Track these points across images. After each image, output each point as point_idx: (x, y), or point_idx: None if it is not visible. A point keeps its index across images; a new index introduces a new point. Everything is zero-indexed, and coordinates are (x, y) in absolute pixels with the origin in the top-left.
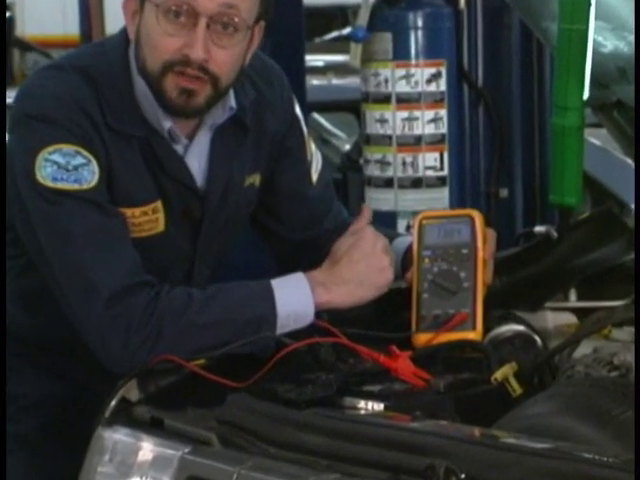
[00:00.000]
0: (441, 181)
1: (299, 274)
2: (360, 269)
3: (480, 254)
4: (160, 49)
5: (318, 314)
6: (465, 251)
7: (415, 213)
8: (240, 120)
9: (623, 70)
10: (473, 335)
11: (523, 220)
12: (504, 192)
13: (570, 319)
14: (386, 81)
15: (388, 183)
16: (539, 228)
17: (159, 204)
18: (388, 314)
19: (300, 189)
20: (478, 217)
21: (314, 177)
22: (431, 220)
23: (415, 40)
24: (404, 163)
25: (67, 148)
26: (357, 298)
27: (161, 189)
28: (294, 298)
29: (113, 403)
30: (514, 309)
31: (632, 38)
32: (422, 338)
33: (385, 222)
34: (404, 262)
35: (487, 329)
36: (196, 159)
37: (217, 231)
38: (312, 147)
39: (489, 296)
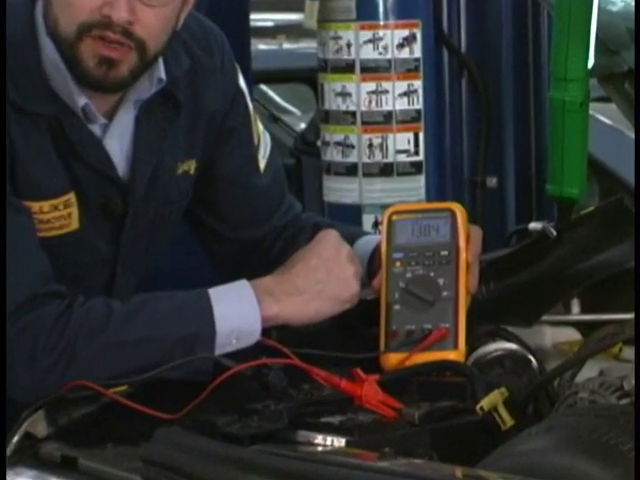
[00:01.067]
0: (416, 168)
1: (243, 282)
2: (318, 278)
3: (463, 256)
4: (76, 7)
5: (266, 331)
6: (444, 253)
7: (384, 207)
8: (171, 94)
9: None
10: (454, 355)
11: (515, 215)
12: (492, 181)
13: (572, 335)
14: (348, 46)
15: (351, 170)
16: (534, 225)
17: (72, 197)
18: (351, 330)
19: (244, 178)
20: (460, 212)
21: (261, 164)
22: (403, 215)
23: None
24: (371, 146)
25: None
26: (313, 312)
27: (75, 179)
28: (236, 311)
29: (15, 439)
30: (504, 323)
31: None
32: (392, 359)
33: (347, 218)
34: (371, 267)
35: (471, 348)
36: (117, 142)
37: (143, 229)
38: (259, 127)
39: (474, 308)
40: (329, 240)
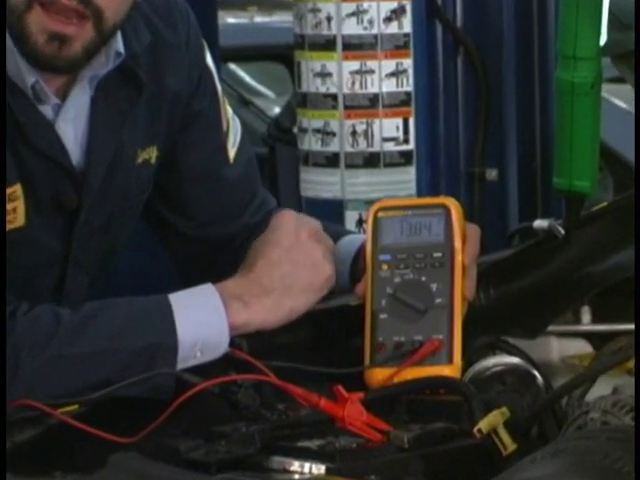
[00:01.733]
0: (405, 158)
1: (207, 286)
2: (284, 271)
3: (458, 258)
4: None
5: (235, 341)
6: (438, 254)
7: (369, 203)
8: (131, 71)
9: None
10: (449, 371)
11: (518, 212)
12: (492, 173)
13: (582, 348)
14: (329, 19)
15: (332, 161)
16: (540, 223)
17: (18, 189)
18: (331, 341)
19: (212, 169)
20: (455, 208)
21: (231, 153)
22: (391, 212)
23: None
24: (354, 133)
25: None
26: (287, 310)
27: (22, 168)
28: (201, 319)
29: None
30: (506, 334)
31: None
32: (379, 375)
33: (327, 214)
34: (354, 270)
35: (468, 362)
36: (71, 126)
37: (99, 226)
38: (229, 112)
39: (471, 317)
40: (285, 224)
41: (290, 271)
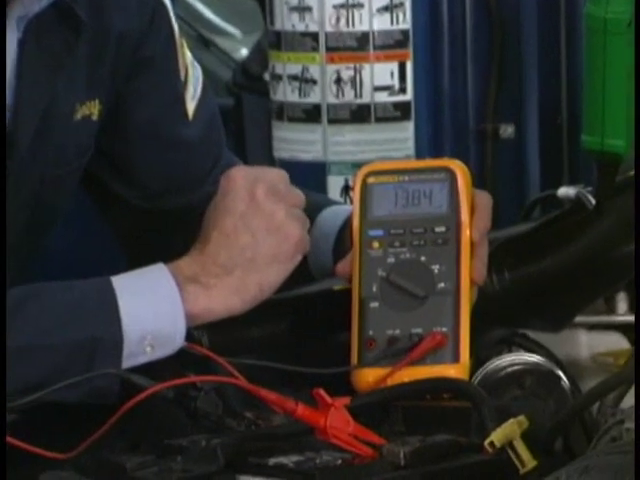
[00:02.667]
0: (401, 111)
1: (158, 267)
2: (243, 242)
3: (466, 234)
4: None
5: (193, 333)
6: (440, 229)
7: (357, 166)
8: (68, 9)
9: None
10: (454, 371)
11: (540, 177)
12: (508, 130)
13: (617, 343)
14: None
15: (312, 115)
16: (565, 190)
17: None
18: (311, 335)
19: (167, 128)
20: (462, 173)
21: (190, 107)
22: (384, 177)
23: None
24: (339, 81)
25: None
26: (254, 290)
27: None
28: (151, 307)
29: None
30: (524, 327)
31: None
32: (369, 376)
33: (306, 180)
34: (338, 248)
35: (478, 361)
36: None
37: (29, 196)
38: (187, 56)
39: (482, 305)
40: (234, 185)
41: (250, 241)
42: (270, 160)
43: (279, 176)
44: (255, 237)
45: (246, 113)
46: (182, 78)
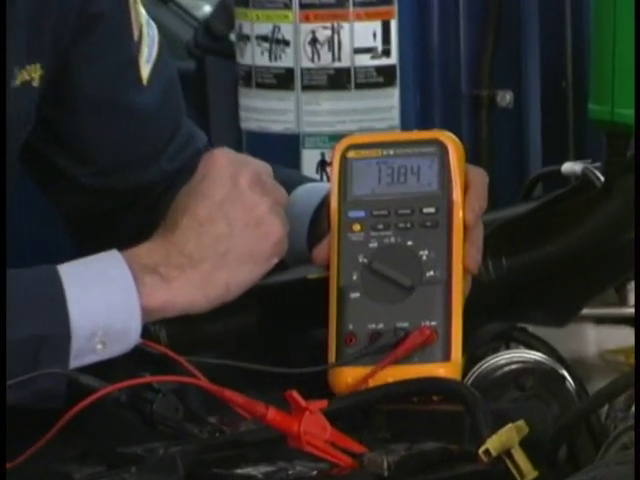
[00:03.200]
0: (385, 77)
1: (112, 254)
2: (217, 232)
3: (458, 216)
4: None
5: (150, 329)
6: (429, 210)
7: (335, 138)
8: None
9: None
10: (445, 370)
11: (542, 151)
12: (506, 98)
13: (628, 338)
14: None
15: (284, 81)
16: (571, 166)
17: None
18: (283, 330)
19: (117, 95)
20: (454, 146)
21: (144, 72)
22: (366, 151)
23: None
24: (314, 42)
25: None
26: (220, 288)
27: None
28: (103, 299)
29: None
30: (523, 321)
31: None
32: (348, 376)
33: (277, 154)
34: (314, 232)
35: (472, 359)
36: None
37: None
38: (141, 14)
39: (476, 296)
40: (217, 169)
41: (225, 233)
42: (236, 131)
43: (265, 168)
44: (231, 229)
45: (209, 78)
46: (135, 38)
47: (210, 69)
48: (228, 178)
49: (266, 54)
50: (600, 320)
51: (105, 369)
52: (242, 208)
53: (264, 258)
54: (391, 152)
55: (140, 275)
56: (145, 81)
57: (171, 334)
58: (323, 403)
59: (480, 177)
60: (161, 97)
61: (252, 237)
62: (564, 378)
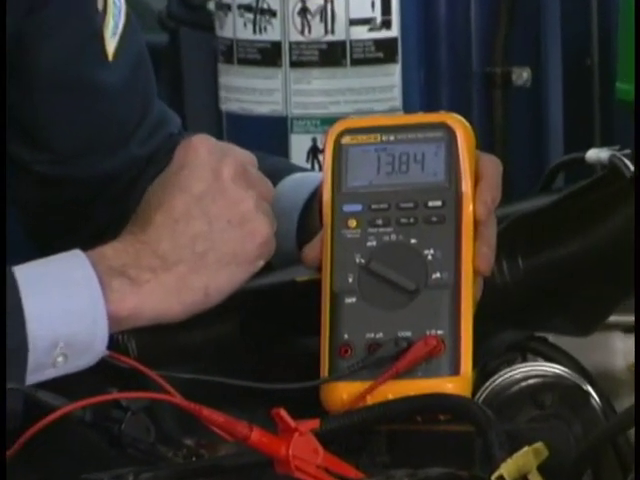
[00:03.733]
0: (385, 52)
1: (74, 254)
2: (195, 230)
3: (468, 210)
4: None
5: (117, 340)
6: (435, 203)
7: (328, 122)
8: None
9: None
10: (453, 386)
11: (563, 136)
12: (523, 76)
13: None
14: None
15: (270, 56)
16: (596, 153)
17: None
18: (269, 341)
19: (79, 72)
20: (463, 130)
21: (110, 46)
22: (363, 136)
23: None
24: (304, 12)
25: None
26: (198, 294)
27: None
28: (64, 305)
29: None
30: (542, 329)
31: None
32: (342, 392)
33: (262, 140)
34: (304, 228)
35: (484, 373)
36: None
37: None
38: None
39: (489, 301)
40: (196, 157)
41: (204, 231)
42: (215, 114)
43: (250, 158)
44: (211, 227)
45: (184, 53)
46: (100, 8)
47: (185, 43)
48: (209, 169)
49: (249, 26)
50: (629, 329)
51: (67, 384)
52: (225, 204)
53: (249, 260)
54: (392, 137)
55: (107, 278)
56: (111, 56)
57: (141, 345)
58: (315, 423)
59: (493, 166)
60: (129, 74)
61: (235, 236)
62: (588, 394)
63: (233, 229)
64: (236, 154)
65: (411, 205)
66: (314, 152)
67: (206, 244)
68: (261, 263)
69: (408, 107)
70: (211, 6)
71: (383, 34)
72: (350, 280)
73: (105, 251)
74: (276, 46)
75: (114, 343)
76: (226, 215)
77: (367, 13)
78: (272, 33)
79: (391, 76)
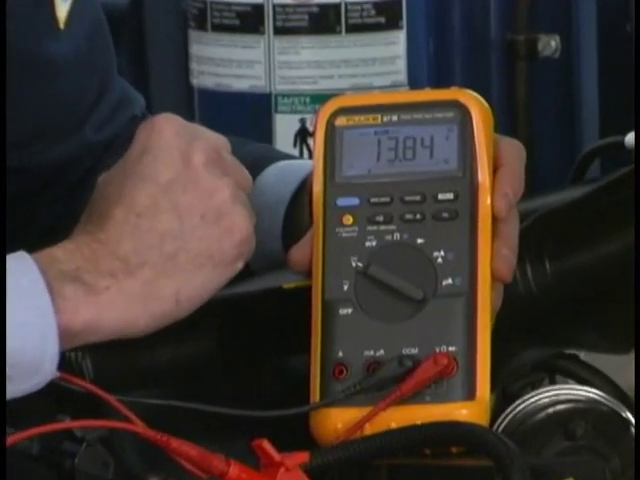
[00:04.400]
0: (387, 16)
1: (20, 257)
2: (163, 228)
3: (485, 204)
4: None
5: (70, 358)
6: (446, 196)
7: (319, 99)
8: None
9: None
10: (468, 412)
11: (599, 116)
12: (551, 44)
13: None
14: None
15: (250, 22)
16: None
17: None
18: (250, 359)
19: (26, 43)
20: (479, 109)
21: (61, 12)
22: (360, 117)
23: None
24: None
25: None
26: (168, 301)
27: None
28: (8, 318)
29: None
30: (573, 345)
31: None
32: (337, 420)
33: (243, 120)
34: (291, 226)
35: (506, 396)
36: None
37: None
38: None
39: (510, 312)
40: (162, 140)
41: (174, 228)
42: (185, 90)
43: (222, 142)
44: (183, 222)
45: (148, 17)
46: None
47: (149, 4)
48: (177, 154)
49: None
50: None
51: (11, 411)
52: (197, 195)
53: (226, 261)
54: (395, 118)
55: (58, 285)
56: (62, 24)
57: (99, 365)
58: (304, 456)
59: (515, 151)
60: (84, 45)
61: (211, 233)
62: (628, 422)
63: (208, 225)
64: (207, 137)
65: (418, 198)
66: (303, 135)
67: (176, 243)
68: (240, 265)
69: (414, 82)
70: None
71: None
72: (345, 287)
73: (55, 253)
74: (258, 9)
75: (66, 362)
76: (199, 208)
77: None
78: None
79: (394, 45)
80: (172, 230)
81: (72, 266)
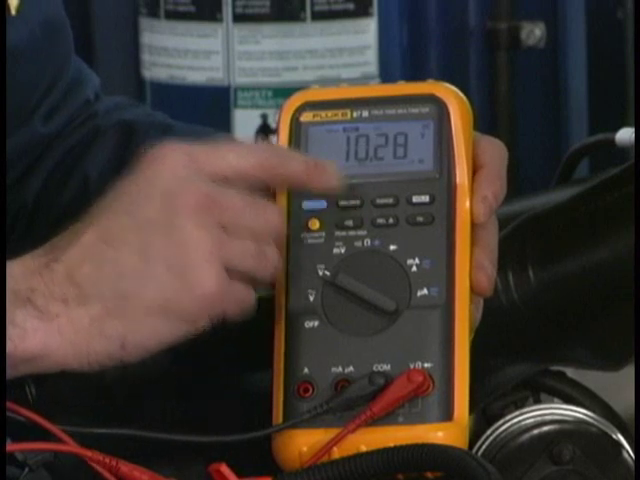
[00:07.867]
0: (356, 1)
1: None
2: (126, 262)
3: (463, 207)
4: None
5: (12, 383)
6: (422, 199)
7: (283, 93)
8: None
9: None
10: (444, 434)
11: (588, 111)
12: (535, 33)
13: None
14: None
15: (206, 8)
16: (628, 134)
17: None
18: (208, 376)
19: None
20: (458, 104)
21: None
22: (328, 112)
23: None
24: None
25: None
26: (113, 346)
27: None
28: None
29: None
30: (560, 361)
31: None
32: (301, 442)
33: (199, 115)
34: None
35: (486, 417)
36: None
37: None
38: None
39: (491, 325)
40: (156, 171)
41: (136, 269)
42: (136, 83)
43: (241, 181)
44: (147, 266)
45: (95, 4)
46: None
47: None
48: (163, 193)
49: None
50: None
51: None
52: (169, 242)
53: (183, 317)
54: (365, 114)
55: (9, 310)
56: (14, 10)
57: (42, 390)
58: None
59: (495, 150)
60: (38, 32)
61: (171, 285)
62: (619, 445)
63: (171, 276)
64: (214, 175)
65: (390, 201)
66: (265, 132)
67: (133, 284)
68: (202, 323)
69: (386, 74)
70: None
71: None
72: (311, 298)
73: (14, 269)
74: None
75: (16, 389)
76: (167, 257)
77: None
78: None
79: (364, 34)
80: (133, 270)
81: (26, 285)
